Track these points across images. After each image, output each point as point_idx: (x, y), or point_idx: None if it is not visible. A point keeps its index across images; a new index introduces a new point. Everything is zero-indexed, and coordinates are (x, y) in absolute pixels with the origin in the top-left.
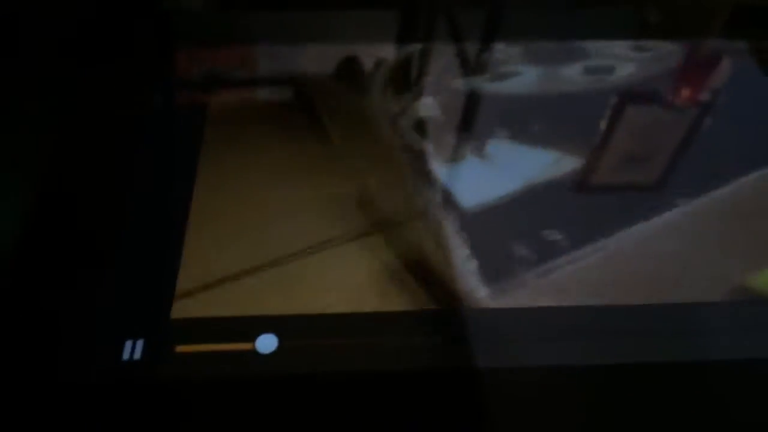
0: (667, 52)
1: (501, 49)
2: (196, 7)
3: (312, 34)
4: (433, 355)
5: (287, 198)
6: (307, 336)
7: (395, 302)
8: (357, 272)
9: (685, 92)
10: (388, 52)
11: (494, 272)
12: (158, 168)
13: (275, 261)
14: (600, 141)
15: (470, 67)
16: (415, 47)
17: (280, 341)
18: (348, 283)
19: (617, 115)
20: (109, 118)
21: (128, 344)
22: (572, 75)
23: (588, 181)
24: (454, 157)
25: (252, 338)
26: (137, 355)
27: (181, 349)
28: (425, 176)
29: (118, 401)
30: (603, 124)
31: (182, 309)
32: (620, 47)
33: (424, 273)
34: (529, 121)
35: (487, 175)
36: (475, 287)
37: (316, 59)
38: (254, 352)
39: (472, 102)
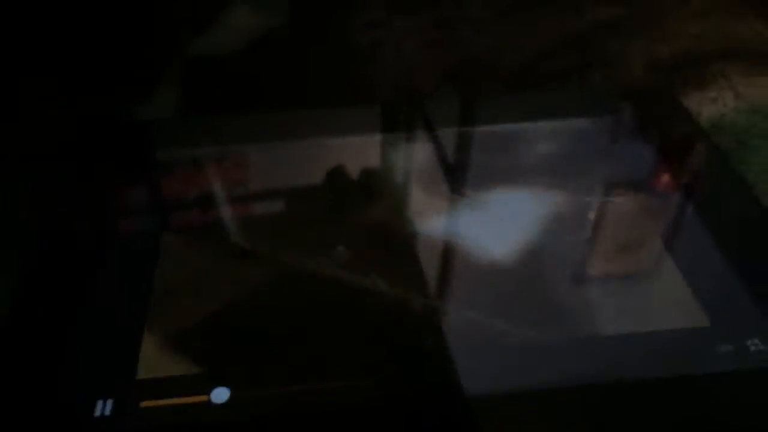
0: None
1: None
2: (165, 113)
3: (289, 133)
4: (383, 394)
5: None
6: (256, 386)
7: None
8: None
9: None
10: (371, 145)
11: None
12: (121, 273)
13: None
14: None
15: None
16: (394, 138)
17: (232, 392)
18: None
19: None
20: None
21: (100, 403)
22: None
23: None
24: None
25: (207, 391)
26: (107, 412)
27: (145, 404)
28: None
29: None
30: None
31: (145, 370)
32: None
33: None
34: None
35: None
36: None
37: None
38: (210, 403)
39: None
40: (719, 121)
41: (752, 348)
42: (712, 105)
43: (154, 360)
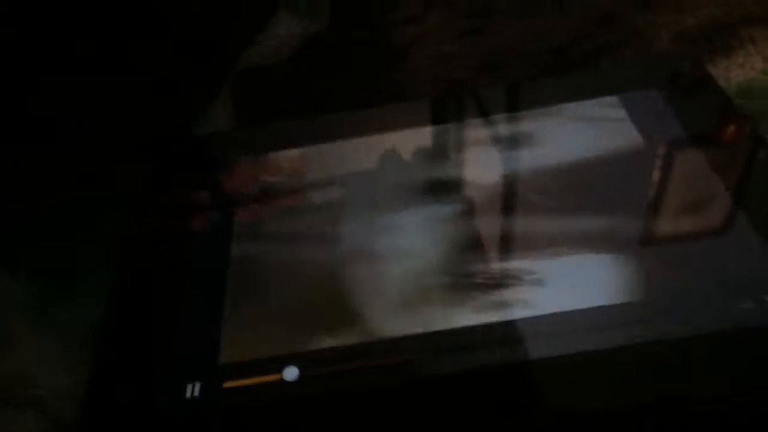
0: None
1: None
2: (225, 124)
3: (348, 132)
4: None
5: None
6: (321, 366)
7: None
8: None
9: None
10: (424, 137)
11: None
12: (201, 271)
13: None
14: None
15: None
16: (446, 128)
17: (301, 371)
18: None
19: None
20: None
21: (189, 386)
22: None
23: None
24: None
25: (279, 371)
26: (196, 394)
27: (227, 385)
28: None
29: (184, 428)
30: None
31: (226, 356)
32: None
33: None
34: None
35: None
36: None
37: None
38: (282, 381)
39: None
40: (747, 86)
41: None
42: (739, 70)
43: (233, 347)
